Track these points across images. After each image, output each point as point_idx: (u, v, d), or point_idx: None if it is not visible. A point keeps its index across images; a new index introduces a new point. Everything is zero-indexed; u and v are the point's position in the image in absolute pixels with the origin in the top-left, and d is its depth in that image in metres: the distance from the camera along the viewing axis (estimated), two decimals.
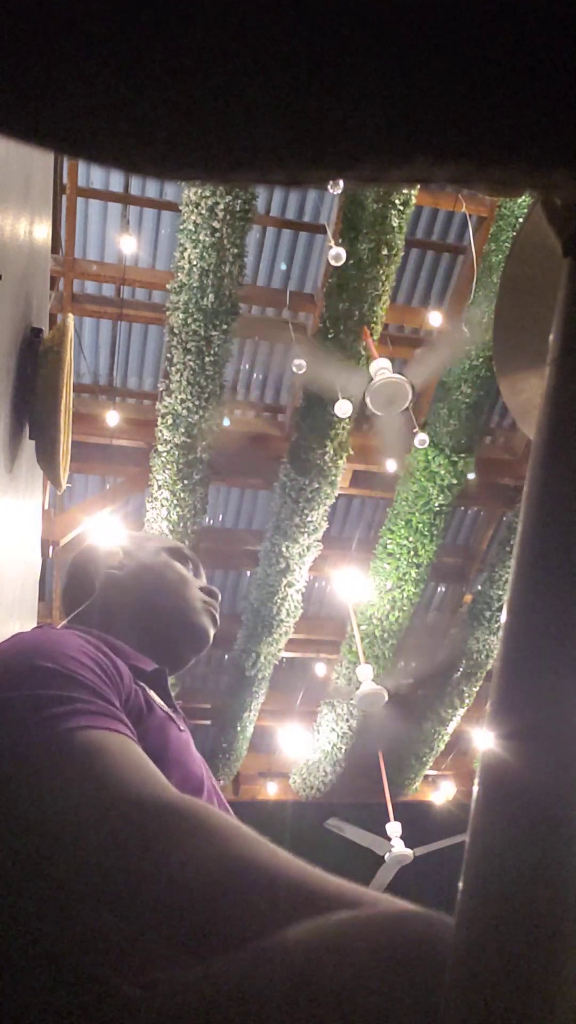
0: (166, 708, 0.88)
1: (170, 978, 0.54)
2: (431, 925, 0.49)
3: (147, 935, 0.57)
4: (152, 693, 0.88)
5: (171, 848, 0.59)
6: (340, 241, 5.15)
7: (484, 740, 0.32)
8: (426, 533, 6.38)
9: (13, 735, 0.66)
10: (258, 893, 0.56)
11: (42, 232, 3.13)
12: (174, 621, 1.03)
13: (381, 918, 0.52)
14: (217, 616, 1.09)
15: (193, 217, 4.90)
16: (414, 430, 5.23)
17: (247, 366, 6.62)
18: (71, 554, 1.17)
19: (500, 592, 6.64)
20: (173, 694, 0.96)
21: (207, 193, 4.72)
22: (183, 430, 5.54)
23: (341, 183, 0.23)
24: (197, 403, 5.42)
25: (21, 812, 0.62)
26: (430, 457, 6.06)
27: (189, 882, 0.57)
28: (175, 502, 5.79)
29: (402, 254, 5.43)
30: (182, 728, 0.88)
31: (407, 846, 6.16)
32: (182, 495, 5.77)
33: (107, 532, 1.23)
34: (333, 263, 4.85)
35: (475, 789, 0.31)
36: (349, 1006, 0.46)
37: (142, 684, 0.87)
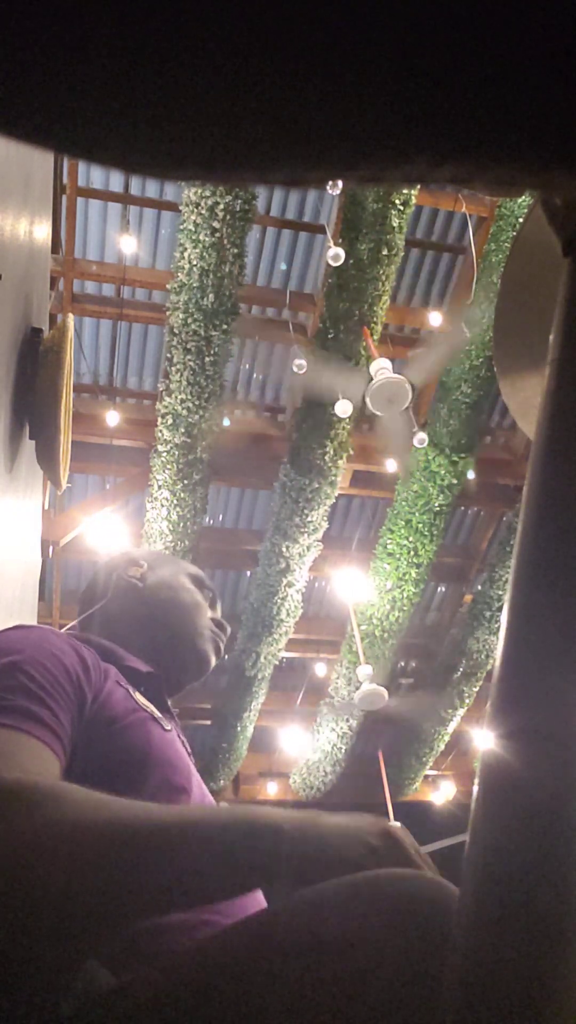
0: (150, 708, 0.88)
1: (173, 953, 0.54)
2: (431, 885, 0.51)
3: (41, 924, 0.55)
4: (138, 695, 0.88)
5: (40, 829, 0.56)
6: (340, 241, 5.15)
7: (484, 740, 0.32)
8: (426, 533, 6.38)
9: None
10: (130, 844, 0.55)
11: (42, 232, 3.13)
12: (179, 642, 1.05)
13: (385, 876, 0.53)
14: (222, 648, 1.11)
15: (193, 217, 4.90)
16: (414, 429, 5.23)
17: (247, 366, 6.62)
18: (103, 558, 1.20)
19: (500, 592, 6.64)
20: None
21: (207, 193, 4.72)
22: (183, 430, 5.54)
23: (341, 183, 0.24)
24: (197, 403, 5.42)
25: None
26: (430, 457, 6.06)
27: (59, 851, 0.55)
28: (175, 502, 5.79)
29: (402, 254, 5.43)
30: (167, 728, 0.88)
31: None
32: (182, 495, 5.77)
33: (114, 536, 1.27)
34: (332, 263, 4.85)
35: (475, 789, 0.31)
36: (357, 962, 0.47)
37: (126, 686, 0.88)
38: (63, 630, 0.98)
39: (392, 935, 0.48)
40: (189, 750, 0.96)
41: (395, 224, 5.17)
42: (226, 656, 7.30)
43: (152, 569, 1.12)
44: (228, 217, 4.87)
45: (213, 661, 1.09)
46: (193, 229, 4.93)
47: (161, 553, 1.20)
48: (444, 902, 0.49)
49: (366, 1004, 0.46)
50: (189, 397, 5.39)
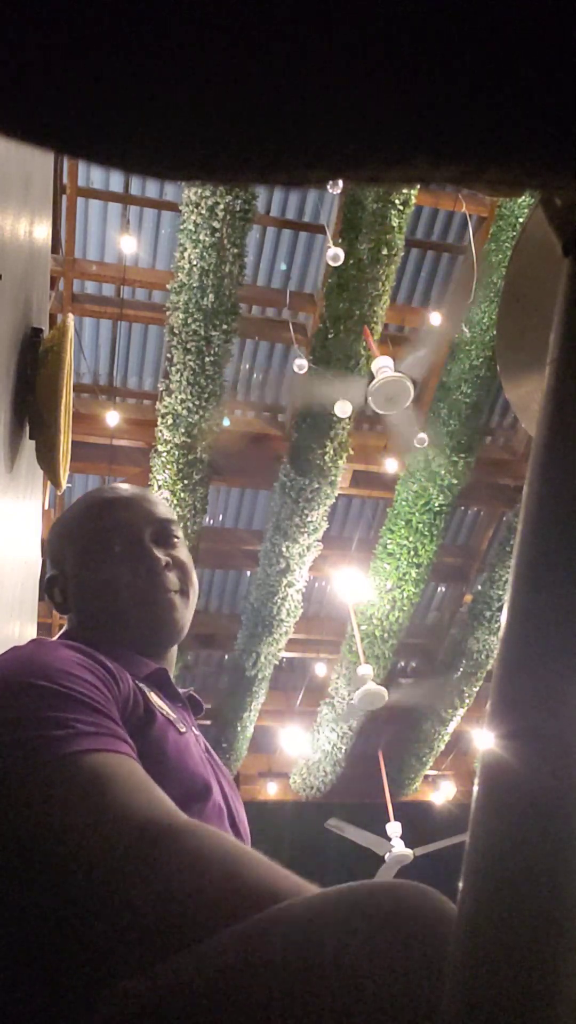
0: (166, 710, 0.87)
1: (171, 961, 0.54)
2: (426, 895, 0.50)
3: (144, 952, 0.57)
4: (153, 695, 0.86)
5: (174, 872, 0.59)
6: (340, 241, 5.15)
7: (484, 740, 0.32)
8: (426, 533, 6.38)
9: (12, 760, 0.65)
10: (250, 906, 0.56)
11: (42, 232, 3.13)
12: (129, 630, 0.95)
13: (378, 888, 0.53)
14: (172, 595, 0.97)
15: (193, 217, 4.90)
16: (418, 430, 5.25)
17: (247, 366, 6.62)
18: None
19: (500, 592, 6.64)
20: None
21: (207, 193, 4.72)
22: (183, 430, 5.54)
23: (341, 183, 0.24)
24: (197, 403, 5.42)
25: (19, 838, 0.62)
26: (430, 457, 6.06)
27: (191, 905, 0.57)
28: (175, 502, 5.79)
29: (402, 254, 5.43)
30: (182, 730, 0.86)
31: (407, 846, 6.16)
32: (182, 495, 5.77)
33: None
34: (332, 263, 4.86)
35: (475, 789, 0.31)
36: (351, 973, 0.47)
37: (142, 686, 0.86)
38: (55, 638, 0.96)
39: (387, 946, 0.47)
40: (205, 744, 0.94)
41: (395, 224, 5.17)
42: (226, 656, 7.30)
43: (67, 576, 1.00)
44: (228, 217, 4.87)
45: (175, 614, 0.97)
46: (193, 229, 4.93)
47: (65, 537, 1.02)
48: (439, 911, 0.49)
49: (361, 1013, 0.46)
50: (189, 397, 5.39)
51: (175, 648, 1.03)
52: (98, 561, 0.97)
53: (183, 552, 1.03)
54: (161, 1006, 0.51)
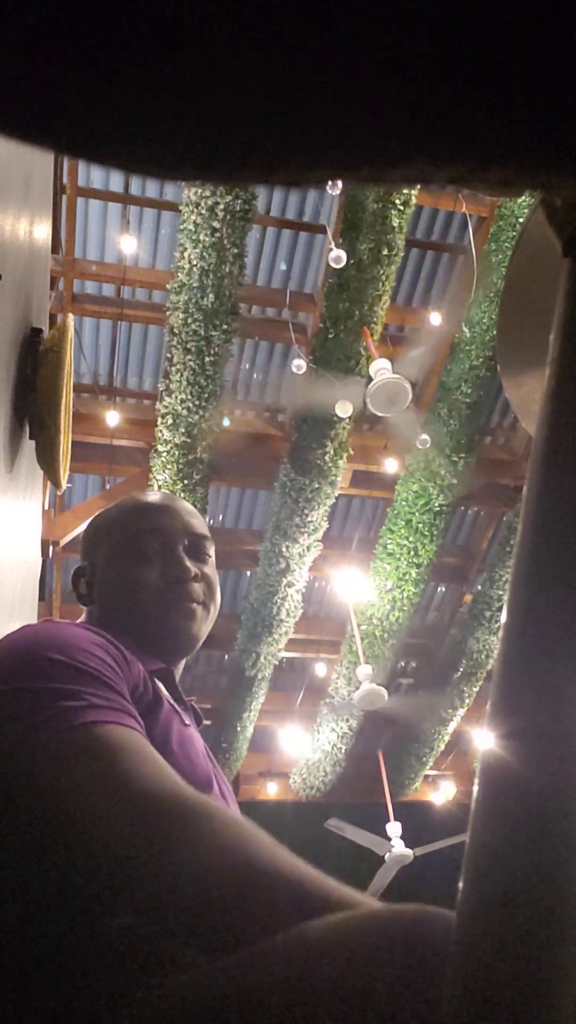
0: (172, 702, 0.87)
1: (172, 980, 0.54)
2: (430, 919, 0.49)
3: (157, 932, 0.57)
4: (160, 685, 0.87)
5: (185, 844, 0.59)
6: (340, 241, 5.15)
7: (484, 740, 0.32)
8: (426, 533, 6.38)
9: (25, 728, 0.66)
10: (263, 892, 0.56)
11: (42, 232, 3.13)
12: (146, 631, 0.97)
13: (381, 914, 0.52)
14: (194, 605, 0.99)
15: (193, 217, 4.90)
16: (420, 432, 5.26)
17: (247, 366, 6.62)
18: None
19: (500, 592, 6.64)
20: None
21: (207, 193, 4.72)
22: (183, 430, 5.54)
23: (341, 183, 0.24)
24: (197, 403, 5.42)
25: (30, 807, 0.62)
26: (430, 457, 6.06)
27: (200, 879, 0.57)
28: None
29: (402, 254, 5.43)
30: (187, 723, 0.87)
31: (407, 846, 6.16)
32: (182, 495, 5.77)
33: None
34: (334, 265, 4.86)
35: (475, 789, 0.31)
36: (351, 1001, 0.47)
37: (149, 676, 0.86)
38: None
39: (389, 975, 0.47)
40: (205, 746, 0.94)
41: (395, 224, 5.17)
42: (226, 656, 7.30)
43: (95, 570, 1.02)
44: (228, 217, 4.87)
45: (190, 626, 0.99)
46: (193, 229, 4.93)
47: (102, 531, 1.05)
48: (442, 935, 0.47)
49: None
50: (189, 397, 5.39)
51: (183, 661, 1.04)
52: (129, 559, 0.99)
53: (211, 569, 1.06)
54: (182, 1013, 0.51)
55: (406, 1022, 0.45)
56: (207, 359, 5.28)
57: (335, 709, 7.12)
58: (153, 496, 1.08)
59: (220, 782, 0.89)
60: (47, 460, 2.53)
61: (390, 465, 6.29)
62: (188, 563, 1.00)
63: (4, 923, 0.63)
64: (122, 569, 0.99)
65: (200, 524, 1.06)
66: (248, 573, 7.08)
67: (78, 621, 1.01)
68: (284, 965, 0.50)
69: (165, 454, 5.67)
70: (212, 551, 1.07)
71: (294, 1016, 0.47)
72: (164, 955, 0.58)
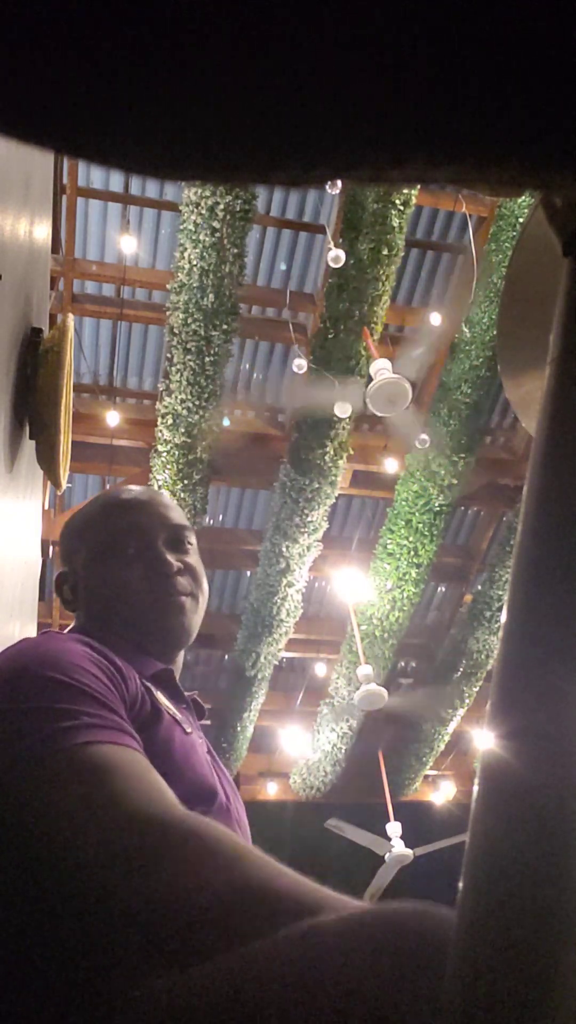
0: (172, 710, 0.87)
1: (168, 979, 0.54)
2: (430, 919, 0.49)
3: (148, 946, 0.57)
4: (159, 694, 0.87)
5: (176, 865, 0.59)
6: (340, 241, 5.15)
7: (484, 740, 0.32)
8: (426, 533, 6.38)
9: (20, 749, 0.65)
10: (261, 912, 0.56)
11: (42, 232, 3.13)
12: (138, 631, 0.96)
13: (381, 912, 0.52)
14: (182, 599, 0.98)
15: (193, 217, 4.90)
16: (421, 432, 5.26)
17: (247, 366, 6.62)
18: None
19: (500, 592, 6.64)
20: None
21: (207, 193, 4.72)
22: (183, 430, 5.54)
23: (341, 183, 0.24)
24: (197, 403, 5.42)
25: (25, 826, 0.62)
26: (430, 457, 6.06)
27: (192, 899, 0.57)
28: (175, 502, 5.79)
29: (402, 254, 5.43)
30: (188, 730, 0.86)
31: (407, 846, 6.16)
32: (182, 495, 5.77)
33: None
34: (332, 265, 4.86)
35: (475, 789, 0.31)
36: (350, 1001, 0.46)
37: (149, 685, 0.86)
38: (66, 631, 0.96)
39: (389, 973, 0.46)
40: (208, 745, 0.94)
41: (395, 224, 5.17)
42: (226, 656, 7.29)
43: (77, 574, 1.01)
44: (228, 217, 4.87)
45: (182, 620, 0.98)
46: (193, 229, 4.93)
47: (78, 534, 1.03)
48: (443, 934, 0.47)
49: None
50: (189, 397, 5.39)
51: (182, 652, 1.03)
52: (110, 561, 0.98)
53: (195, 558, 1.04)
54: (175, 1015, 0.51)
55: (405, 1022, 0.44)
56: (207, 359, 5.28)
57: (336, 711, 7.12)
58: (127, 493, 1.06)
59: (225, 786, 0.89)
60: (47, 460, 2.53)
61: (390, 465, 6.29)
62: (170, 557, 0.99)
63: None
64: (104, 572, 0.98)
65: (177, 514, 1.05)
66: (248, 573, 7.08)
67: (71, 628, 1.00)
68: (283, 962, 0.50)
69: (165, 454, 5.67)
70: (193, 539, 1.05)
71: (293, 1013, 0.47)
72: (159, 962, 0.57)
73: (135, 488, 1.09)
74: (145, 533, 1.00)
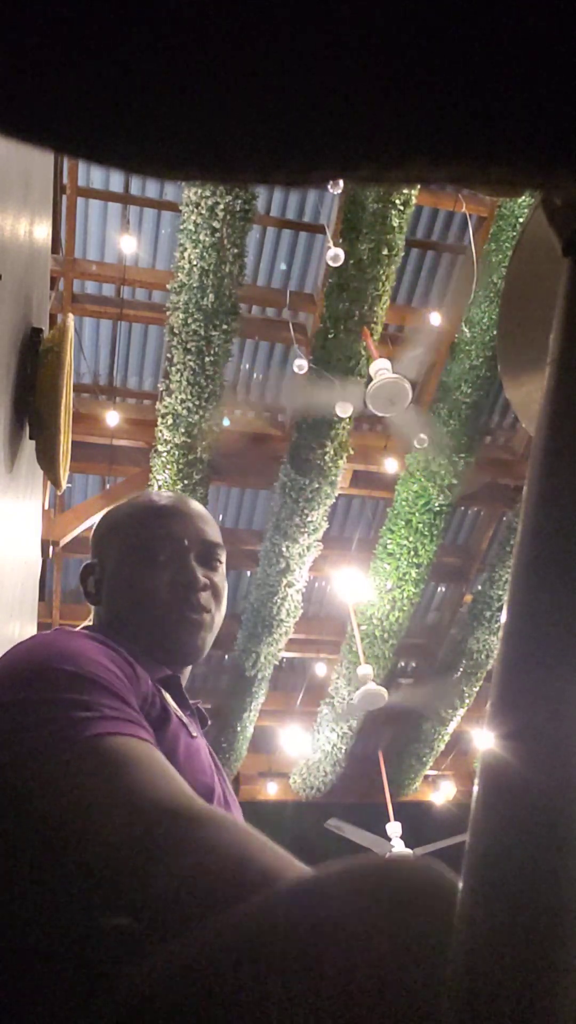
0: (180, 713, 0.88)
1: (164, 947, 0.54)
2: (430, 870, 0.51)
3: (168, 931, 0.57)
4: (168, 696, 0.87)
5: (185, 849, 0.60)
6: (340, 241, 5.15)
7: (484, 740, 0.32)
8: (426, 533, 6.38)
9: (37, 739, 0.66)
10: (262, 891, 0.57)
11: (42, 232, 3.13)
12: (153, 639, 0.97)
13: (380, 864, 0.53)
14: (201, 617, 0.99)
15: (193, 217, 4.90)
16: (420, 433, 5.26)
17: (247, 366, 6.62)
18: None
19: (500, 592, 6.64)
20: None
21: (207, 193, 4.72)
22: (183, 430, 5.54)
23: (341, 183, 0.24)
24: (197, 403, 5.42)
25: (45, 814, 0.63)
26: (430, 457, 6.06)
27: (198, 881, 0.58)
28: None
29: (402, 254, 5.43)
30: (194, 734, 0.87)
31: (407, 846, 6.16)
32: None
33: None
34: (331, 264, 4.86)
35: (475, 789, 0.31)
36: (354, 955, 0.47)
37: (159, 686, 0.87)
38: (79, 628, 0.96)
39: (392, 923, 0.48)
40: (210, 750, 0.95)
41: (395, 224, 5.17)
42: (226, 656, 7.30)
43: (105, 569, 1.02)
44: (228, 217, 4.87)
45: (196, 638, 0.99)
46: (193, 229, 4.93)
47: (115, 530, 1.04)
48: (444, 888, 0.49)
49: (364, 992, 0.46)
50: (189, 397, 5.39)
51: (190, 667, 1.04)
52: (139, 564, 0.99)
53: (220, 577, 1.05)
54: (168, 989, 0.51)
55: (408, 979, 0.45)
56: (207, 359, 5.28)
57: (340, 716, 7.12)
58: (167, 499, 1.07)
59: (225, 791, 0.90)
60: (47, 460, 2.53)
61: (390, 465, 6.29)
62: (198, 572, 1.00)
63: (7, 921, 0.63)
64: (132, 573, 0.99)
65: (213, 531, 1.06)
66: (248, 573, 7.08)
67: (85, 625, 1.01)
68: (292, 910, 0.51)
69: (165, 454, 5.67)
70: (223, 557, 1.07)
71: (296, 968, 0.48)
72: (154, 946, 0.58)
73: (177, 495, 1.11)
74: (179, 543, 1.00)
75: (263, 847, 0.62)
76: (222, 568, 1.06)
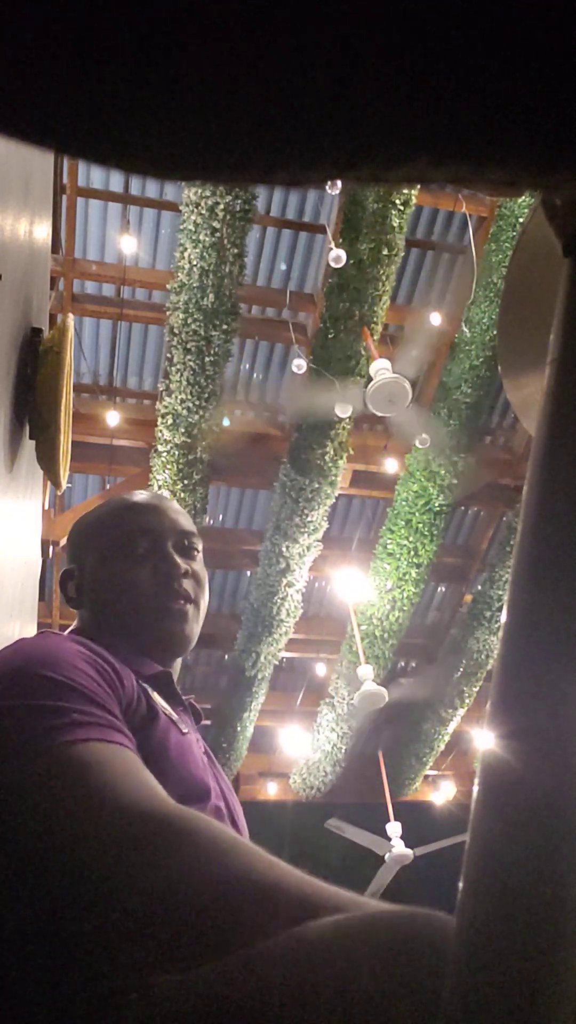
0: (169, 711, 0.87)
1: (167, 980, 0.54)
2: (430, 923, 0.49)
3: (143, 942, 0.57)
4: (156, 695, 0.87)
5: (167, 860, 0.59)
6: (340, 241, 5.15)
7: (484, 740, 0.32)
8: (426, 533, 6.38)
9: (7, 746, 0.66)
10: (254, 905, 0.56)
11: (42, 232, 3.13)
12: (140, 633, 0.97)
13: (380, 916, 0.52)
14: (186, 607, 0.99)
15: (193, 217, 4.90)
16: (421, 433, 5.27)
17: (247, 366, 6.62)
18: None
19: (500, 592, 6.64)
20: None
21: (207, 193, 4.72)
22: (183, 430, 5.54)
23: (341, 183, 0.24)
24: (197, 403, 5.42)
25: (14, 825, 0.62)
26: (430, 457, 6.06)
27: (185, 894, 0.57)
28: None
29: (402, 254, 5.43)
30: (184, 731, 0.87)
31: (407, 846, 6.17)
32: (182, 495, 5.77)
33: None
34: (333, 265, 4.86)
35: (475, 789, 0.31)
36: (350, 1004, 0.46)
37: (146, 686, 0.86)
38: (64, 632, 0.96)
39: (387, 977, 0.47)
40: (205, 747, 0.94)
41: (395, 224, 5.17)
42: (226, 656, 7.30)
43: (84, 572, 1.03)
44: (228, 217, 4.87)
45: (181, 628, 0.99)
46: (193, 229, 4.93)
47: (78, 531, 1.06)
48: (441, 939, 0.47)
49: None
50: (189, 397, 5.39)
51: (180, 659, 1.04)
52: (119, 560, 1.00)
53: (200, 566, 1.06)
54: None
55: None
56: (207, 359, 5.28)
57: (341, 717, 7.11)
58: (140, 496, 1.08)
59: (222, 786, 0.89)
60: (47, 460, 2.53)
61: (390, 465, 6.29)
62: (179, 560, 1.01)
63: None
64: (114, 570, 0.99)
65: (187, 521, 1.07)
66: (248, 573, 7.08)
67: (71, 629, 1.01)
68: (281, 967, 0.50)
69: (165, 454, 5.67)
70: (200, 547, 1.08)
71: (291, 1019, 0.47)
72: (148, 960, 0.57)
73: (147, 492, 1.12)
74: (156, 535, 1.01)
75: (246, 849, 0.61)
76: (200, 557, 1.07)
